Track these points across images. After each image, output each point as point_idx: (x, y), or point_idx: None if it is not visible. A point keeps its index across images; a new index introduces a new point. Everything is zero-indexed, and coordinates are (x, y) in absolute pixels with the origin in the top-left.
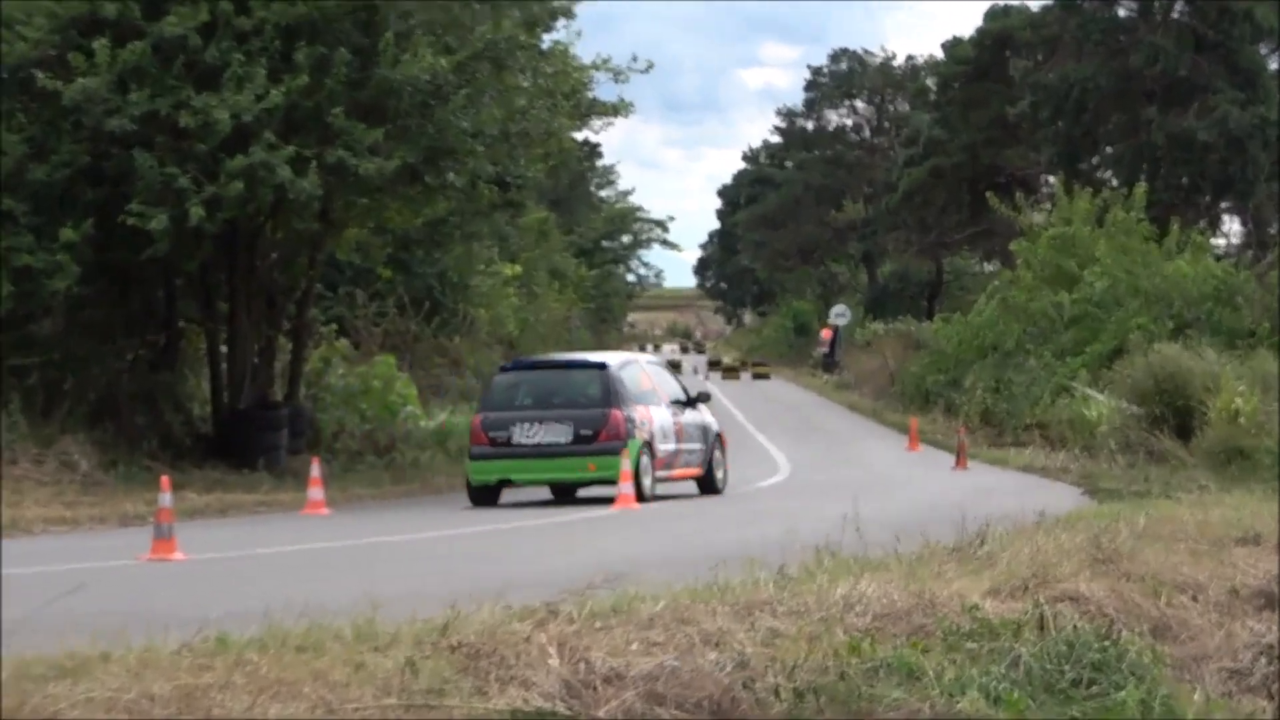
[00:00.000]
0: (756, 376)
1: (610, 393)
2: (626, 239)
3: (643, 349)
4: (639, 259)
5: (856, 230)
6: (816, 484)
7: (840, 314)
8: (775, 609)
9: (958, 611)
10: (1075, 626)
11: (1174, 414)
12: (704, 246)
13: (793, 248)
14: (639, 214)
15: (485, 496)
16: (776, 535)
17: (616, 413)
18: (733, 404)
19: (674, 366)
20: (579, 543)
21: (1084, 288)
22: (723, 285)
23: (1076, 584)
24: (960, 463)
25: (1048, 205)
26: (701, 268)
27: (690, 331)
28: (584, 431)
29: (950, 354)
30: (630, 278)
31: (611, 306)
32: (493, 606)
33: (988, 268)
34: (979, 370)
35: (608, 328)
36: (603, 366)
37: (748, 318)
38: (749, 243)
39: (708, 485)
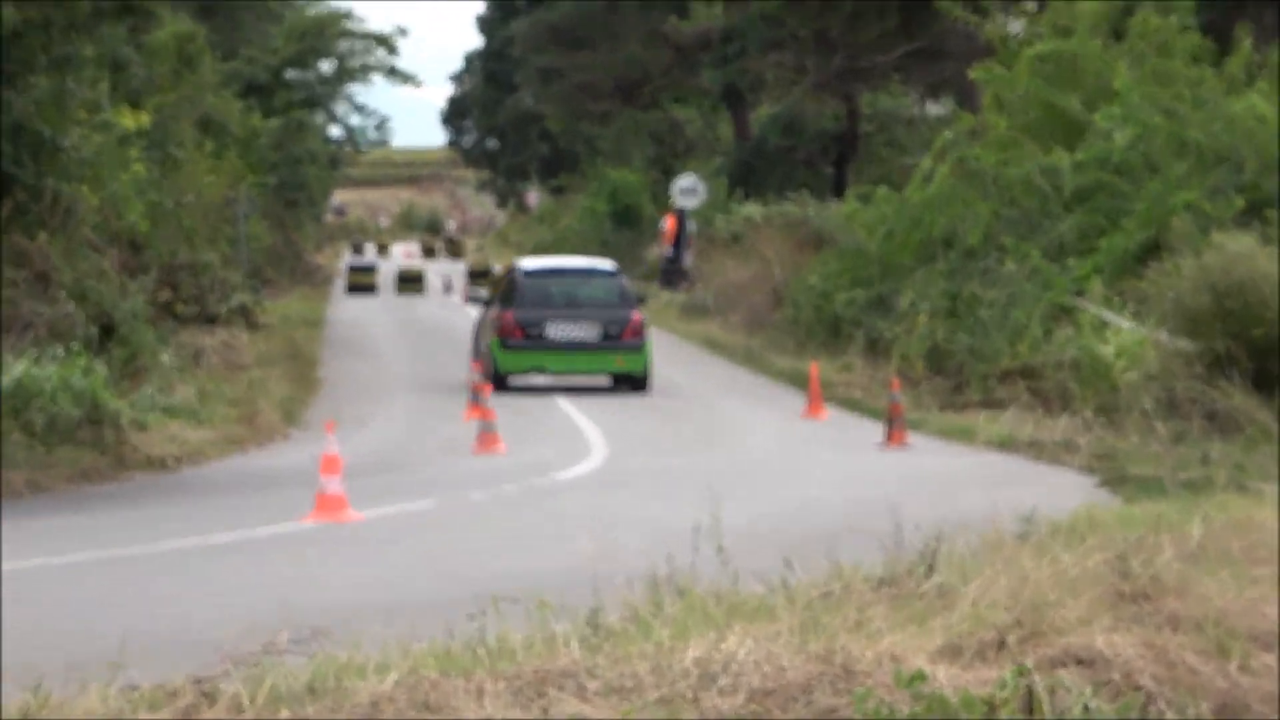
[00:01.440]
0: None
1: (626, 296)
2: (326, 67)
3: (357, 251)
4: (349, 101)
5: (712, 51)
6: (652, 473)
7: (689, 190)
8: (584, 684)
9: (889, 685)
10: (1087, 707)
11: (1247, 350)
12: (458, 80)
13: (607, 81)
14: (347, 26)
15: (504, 382)
16: (585, 559)
17: (637, 314)
18: None
19: (410, 281)
20: (255, 573)
21: (1095, 142)
22: (491, 145)
23: (1090, 636)
24: (894, 437)
25: (1032, 5)
26: (455, 115)
27: (440, 222)
28: (611, 330)
29: (874, 255)
30: (334, 132)
31: (304, 180)
32: (106, 685)
33: (933, 111)
34: (923, 282)
35: (298, 216)
36: (616, 273)
37: (535, 198)
38: (532, 73)
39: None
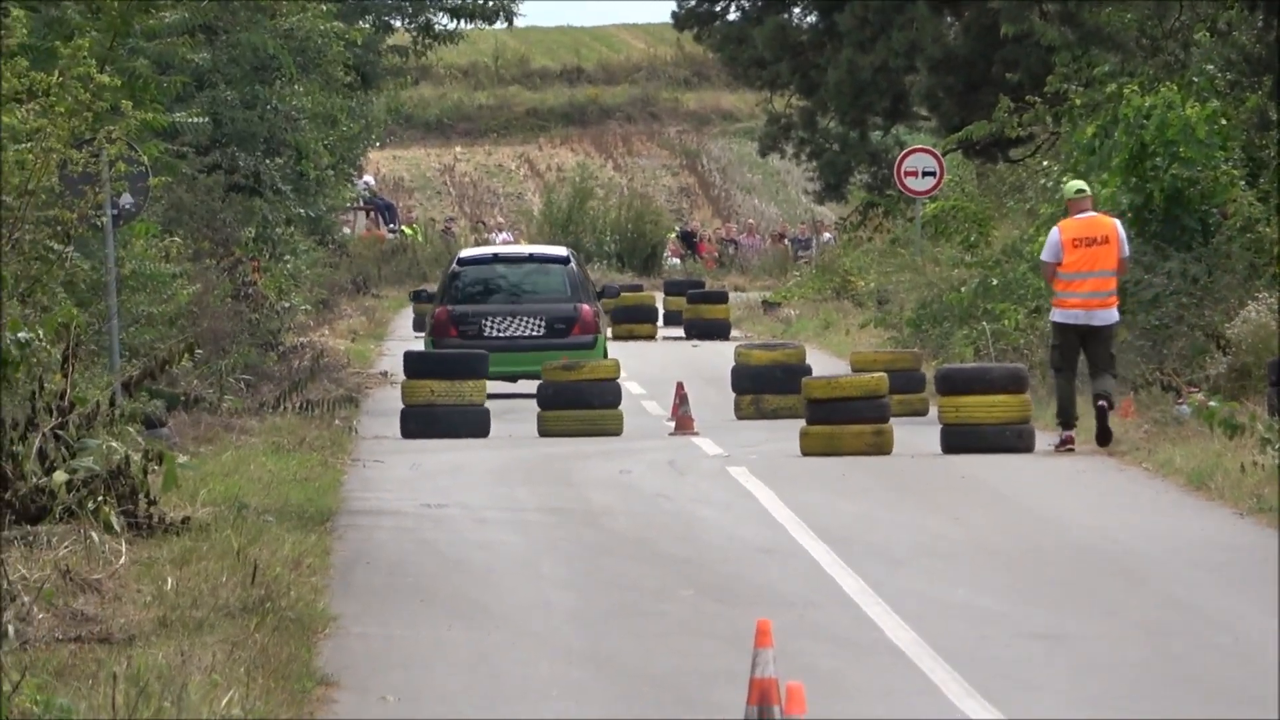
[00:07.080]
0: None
1: (576, 287)
2: None
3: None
4: None
5: None
6: None
7: None
8: None
9: None
10: None
11: None
12: None
13: None
14: None
15: None
16: None
17: (586, 307)
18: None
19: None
20: None
21: None
22: (812, 22)
23: None
24: None
25: None
26: None
27: (670, 232)
28: (557, 326)
29: None
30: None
31: (277, 127)
32: None
33: None
34: None
35: (269, 231)
36: (566, 260)
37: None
38: None
39: None
